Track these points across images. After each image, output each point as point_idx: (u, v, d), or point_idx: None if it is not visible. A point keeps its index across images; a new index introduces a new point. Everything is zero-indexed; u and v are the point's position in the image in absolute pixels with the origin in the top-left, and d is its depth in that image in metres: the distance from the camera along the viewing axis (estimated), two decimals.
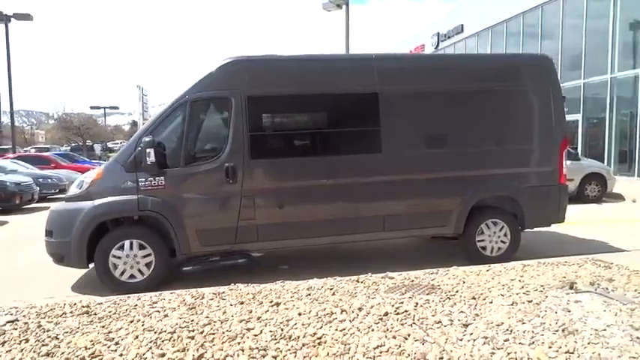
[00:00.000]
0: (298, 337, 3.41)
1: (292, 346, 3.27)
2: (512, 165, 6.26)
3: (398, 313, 3.87)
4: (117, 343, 3.42)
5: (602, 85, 16.78)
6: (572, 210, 11.14)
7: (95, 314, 4.15)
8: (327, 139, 5.94)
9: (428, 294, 4.47)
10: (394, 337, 3.38)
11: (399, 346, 3.24)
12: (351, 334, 3.46)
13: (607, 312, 3.85)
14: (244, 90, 5.56)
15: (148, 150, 5.22)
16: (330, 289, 4.70)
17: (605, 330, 3.47)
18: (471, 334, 3.42)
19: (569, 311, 3.89)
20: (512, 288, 4.57)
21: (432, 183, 6.03)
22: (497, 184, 6.23)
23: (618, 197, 13.29)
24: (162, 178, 5.41)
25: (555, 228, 8.34)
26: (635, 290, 4.47)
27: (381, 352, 3.16)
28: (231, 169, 5.50)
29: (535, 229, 6.90)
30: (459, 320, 3.70)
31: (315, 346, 3.26)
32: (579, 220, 9.37)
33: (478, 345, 3.23)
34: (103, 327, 3.80)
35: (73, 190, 5.65)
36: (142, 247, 5.43)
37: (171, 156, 5.48)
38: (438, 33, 28.04)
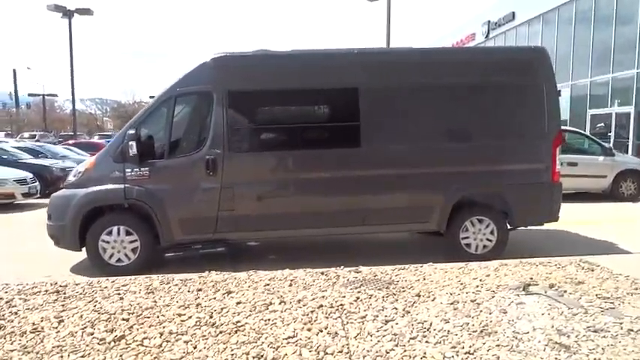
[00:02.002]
0: (220, 325, 3.60)
1: (209, 332, 3.46)
2: (499, 161, 6.09)
3: (332, 307, 3.96)
4: (61, 321, 3.75)
5: None
6: (602, 208, 10.73)
7: (64, 294, 4.53)
8: (305, 133, 6.04)
9: (379, 289, 4.51)
10: (309, 330, 3.49)
11: (309, 338, 3.35)
12: (271, 325, 3.60)
13: (544, 315, 3.75)
14: (225, 85, 5.76)
15: (130, 142, 5.56)
16: (290, 281, 4.84)
17: (527, 333, 3.41)
18: (386, 330, 3.47)
19: (505, 312, 3.83)
20: (467, 287, 4.52)
21: (412, 178, 5.99)
22: (481, 180, 6.08)
23: None
24: (147, 168, 5.74)
25: (573, 227, 8.02)
26: (597, 295, 4.30)
27: (287, 343, 3.29)
28: (211, 161, 5.74)
29: (550, 228, 6.67)
30: (385, 316, 3.74)
31: (229, 334, 3.44)
32: (607, 219, 8.94)
33: (384, 341, 3.27)
34: (62, 306, 4.16)
35: (70, 178, 6.10)
36: (128, 233, 5.79)
37: (156, 148, 5.80)
38: (489, 21, 27.04)
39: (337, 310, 3.89)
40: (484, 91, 6.08)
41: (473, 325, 3.55)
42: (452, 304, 4.03)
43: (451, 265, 5.39)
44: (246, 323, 3.62)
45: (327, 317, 3.73)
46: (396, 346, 3.20)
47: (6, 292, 4.62)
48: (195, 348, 3.23)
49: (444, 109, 6.06)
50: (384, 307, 3.96)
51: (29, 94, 53.09)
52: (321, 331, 3.46)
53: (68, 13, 25.31)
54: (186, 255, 5.88)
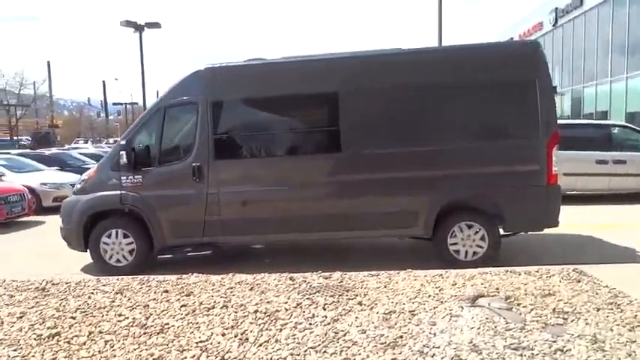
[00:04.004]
0: (149, 326, 3.82)
1: (133, 333, 3.69)
2: (488, 163, 5.80)
3: (266, 313, 4.05)
4: (21, 317, 4.16)
5: None
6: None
7: (47, 292, 4.99)
8: (287, 140, 6.15)
9: (331, 296, 4.52)
10: (223, 335, 3.61)
11: (219, 343, 3.47)
12: (194, 328, 3.76)
13: (472, 330, 3.59)
14: (209, 96, 6.00)
15: (121, 152, 5.99)
16: (255, 285, 4.97)
17: (437, 348, 3.30)
18: (296, 338, 3.50)
19: (434, 324, 3.71)
20: (420, 296, 4.41)
21: (395, 182, 5.89)
22: (469, 183, 5.84)
23: None
24: (140, 176, 6.13)
25: (595, 232, 7.45)
26: (554, 309, 4.03)
27: (195, 347, 3.43)
28: (197, 168, 6.01)
29: (565, 233, 6.39)
30: (308, 324, 3.77)
31: (150, 335, 3.65)
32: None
33: (284, 350, 3.31)
34: (36, 303, 4.60)
35: (77, 185, 6.66)
36: (126, 236, 6.23)
37: (148, 156, 6.16)
38: (556, 8, 25.38)
39: (269, 316, 3.98)
40: (471, 90, 5.83)
41: (387, 337, 3.48)
42: (387, 314, 3.96)
43: (428, 273, 5.24)
44: (172, 325, 3.81)
45: (251, 323, 3.83)
46: (291, 355, 3.23)
47: (5, 288, 5.16)
48: (111, 347, 3.47)
49: (428, 111, 5.90)
50: (315, 314, 3.98)
51: (113, 104, 57.56)
52: (235, 337, 3.57)
53: (139, 28, 27.17)
54: (175, 257, 6.22)
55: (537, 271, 5.25)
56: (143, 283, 5.18)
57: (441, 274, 5.21)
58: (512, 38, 32.79)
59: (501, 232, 6.09)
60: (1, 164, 12.64)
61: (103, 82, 58.12)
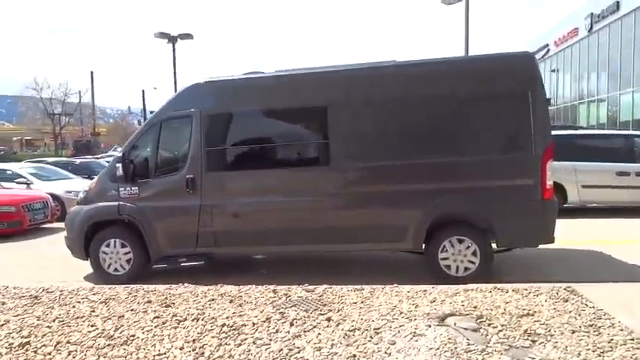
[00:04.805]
0: (116, 338, 3.92)
1: (99, 344, 3.79)
2: (479, 178, 5.68)
3: (232, 326, 4.08)
4: (1, 325, 4.33)
5: None
6: None
7: (38, 300, 5.19)
8: (276, 153, 6.21)
9: (305, 311, 4.51)
10: (181, 349, 3.67)
11: (175, 357, 3.53)
12: (157, 341, 3.84)
13: (432, 350, 3.52)
14: (202, 110, 6.14)
15: (117, 165, 6.18)
16: (235, 297, 5.02)
17: None
18: (250, 353, 3.53)
19: (394, 344, 3.66)
20: (392, 313, 4.34)
21: (385, 196, 5.85)
22: (459, 198, 5.72)
23: None
24: (136, 187, 6.31)
25: (608, 247, 7.14)
26: (526, 331, 3.90)
27: (153, 358, 3.51)
28: (190, 180, 6.14)
29: (578, 248, 6.34)
30: (268, 340, 3.79)
31: (113, 347, 3.74)
32: None
33: None
34: (24, 311, 4.78)
35: (80, 196, 6.91)
36: (123, 246, 6.41)
37: (145, 168, 6.32)
38: (592, 14, 24.60)
39: (234, 330, 4.01)
40: (462, 102, 5.74)
41: (341, 355, 3.46)
42: (351, 331, 3.93)
43: (412, 288, 5.16)
44: (138, 337, 3.90)
45: (213, 337, 3.87)
46: None
47: (2, 295, 5.40)
48: (73, 358, 3.58)
49: (418, 124, 5.84)
50: (279, 330, 3.99)
51: (150, 112, 59.08)
52: (192, 351, 3.62)
53: (172, 39, 27.98)
54: (168, 267, 6.34)
55: (526, 289, 5.09)
56: (131, 293, 5.30)
57: (425, 290, 5.12)
58: (547, 45, 32.03)
59: (496, 247, 5.94)
60: (30, 172, 13.21)
61: (143, 91, 60.13)
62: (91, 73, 51.63)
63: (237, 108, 6.20)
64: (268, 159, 6.25)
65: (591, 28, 24.84)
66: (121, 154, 6.32)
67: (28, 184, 12.59)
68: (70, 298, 5.19)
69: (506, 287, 5.15)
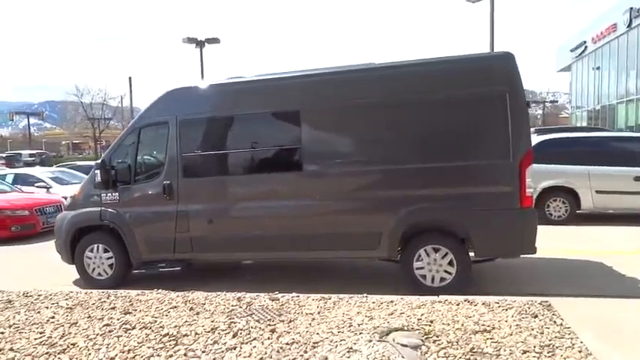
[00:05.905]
0: (58, 345, 3.96)
1: (38, 352, 3.84)
2: (453, 184, 5.43)
3: (174, 336, 4.07)
4: None
5: None
6: None
7: (13, 304, 5.32)
8: (250, 158, 6.14)
9: (257, 320, 4.45)
10: (112, 359, 3.64)
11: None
12: (95, 350, 3.85)
13: None
14: (177, 116, 6.16)
15: (96, 171, 6.29)
16: (197, 304, 5.00)
17: None
18: None
19: (326, 359, 3.52)
20: (342, 326, 4.21)
21: (357, 202, 5.70)
22: (433, 205, 5.49)
23: None
24: (117, 193, 6.40)
25: (614, 258, 6.69)
26: (472, 349, 3.69)
27: None
28: (167, 186, 6.17)
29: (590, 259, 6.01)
30: (201, 350, 3.73)
31: (50, 355, 3.77)
32: None
33: None
34: None
35: (67, 201, 7.06)
36: (106, 251, 6.51)
37: (125, 174, 6.39)
38: (631, 8, 23.37)
39: (172, 340, 3.98)
40: (436, 106, 5.51)
41: None
42: (288, 344, 3.83)
43: (378, 299, 5.00)
44: (77, 346, 3.92)
45: (149, 347, 3.85)
46: None
47: None
48: None
49: (391, 128, 5.65)
50: (218, 341, 3.93)
51: None
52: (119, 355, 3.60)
53: (199, 44, 28.51)
54: (148, 272, 6.39)
55: (497, 302, 4.84)
56: (101, 299, 5.37)
57: (392, 301, 4.95)
58: (584, 42, 30.75)
59: (474, 257, 5.68)
60: (50, 177, 13.71)
61: None
62: (129, 78, 52.93)
63: (210, 114, 6.19)
64: (241, 165, 6.21)
65: (630, 23, 23.59)
66: (96, 162, 6.41)
67: (47, 188, 13.05)
68: (42, 303, 5.30)
69: (477, 300, 4.91)
